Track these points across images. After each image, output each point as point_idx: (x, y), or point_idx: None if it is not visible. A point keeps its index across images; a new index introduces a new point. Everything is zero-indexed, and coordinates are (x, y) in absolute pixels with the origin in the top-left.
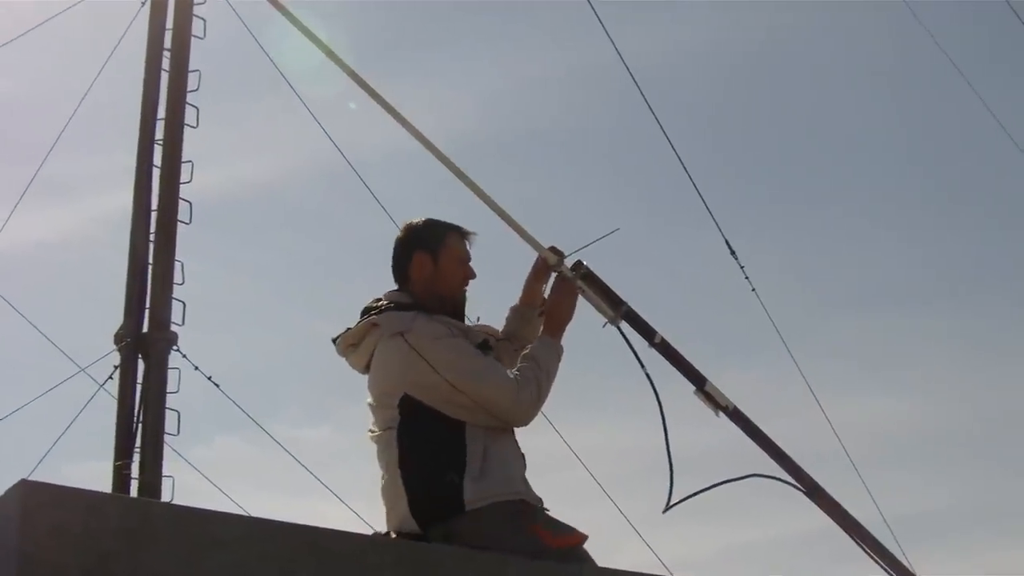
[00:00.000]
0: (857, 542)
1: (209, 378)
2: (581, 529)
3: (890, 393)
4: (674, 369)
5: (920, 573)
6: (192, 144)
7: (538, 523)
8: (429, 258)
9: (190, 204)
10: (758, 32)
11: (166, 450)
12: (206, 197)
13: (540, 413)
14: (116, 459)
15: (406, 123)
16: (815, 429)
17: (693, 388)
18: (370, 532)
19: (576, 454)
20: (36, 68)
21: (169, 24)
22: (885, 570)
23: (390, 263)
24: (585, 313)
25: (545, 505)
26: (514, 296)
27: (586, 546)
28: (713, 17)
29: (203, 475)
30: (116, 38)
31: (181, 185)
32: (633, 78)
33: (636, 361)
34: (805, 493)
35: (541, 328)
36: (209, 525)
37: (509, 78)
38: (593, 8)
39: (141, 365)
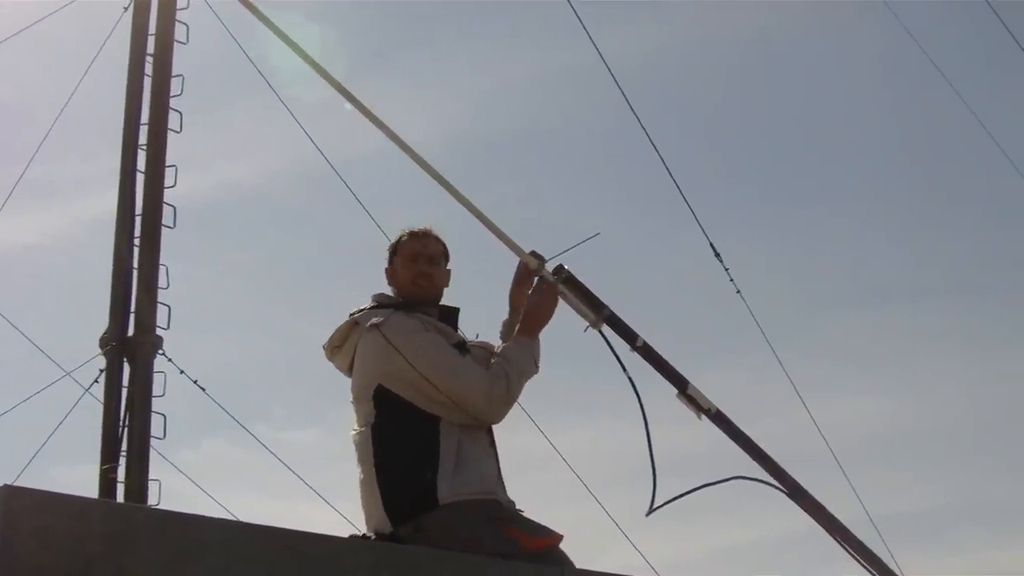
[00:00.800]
0: (840, 542)
1: (195, 381)
2: (561, 530)
3: (876, 392)
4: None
5: (906, 573)
6: (176, 148)
7: (513, 524)
8: (391, 266)
9: (174, 208)
10: (742, 32)
11: (152, 453)
12: (190, 201)
13: (526, 415)
14: (102, 463)
15: (384, 127)
16: (801, 429)
17: (676, 391)
18: (353, 534)
19: (562, 455)
20: (20, 72)
21: (152, 29)
22: (868, 570)
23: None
24: (570, 316)
25: (519, 507)
26: (499, 300)
27: (572, 547)
28: (697, 18)
29: (189, 478)
30: (100, 42)
31: (165, 189)
32: (615, 79)
33: (618, 365)
34: (788, 495)
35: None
36: (192, 529)
37: (493, 80)
38: (574, 9)
39: (127, 369)
